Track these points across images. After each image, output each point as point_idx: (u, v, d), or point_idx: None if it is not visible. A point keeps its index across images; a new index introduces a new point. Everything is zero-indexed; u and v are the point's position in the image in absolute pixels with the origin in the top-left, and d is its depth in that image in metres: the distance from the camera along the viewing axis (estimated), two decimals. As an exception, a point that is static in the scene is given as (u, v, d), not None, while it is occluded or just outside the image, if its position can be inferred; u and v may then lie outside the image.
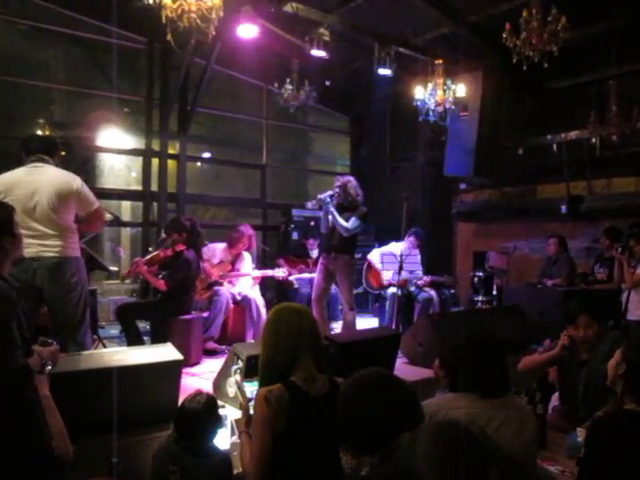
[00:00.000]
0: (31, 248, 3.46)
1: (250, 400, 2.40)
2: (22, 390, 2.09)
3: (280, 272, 6.45)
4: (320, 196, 5.74)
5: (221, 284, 6.08)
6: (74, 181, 3.72)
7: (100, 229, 4.03)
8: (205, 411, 2.65)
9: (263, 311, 6.10)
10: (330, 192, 5.74)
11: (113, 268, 5.50)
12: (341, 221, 5.57)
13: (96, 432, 2.87)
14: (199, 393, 2.77)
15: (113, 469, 2.53)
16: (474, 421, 2.19)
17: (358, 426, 1.88)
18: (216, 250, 6.37)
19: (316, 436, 2.14)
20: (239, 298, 6.07)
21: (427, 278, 6.94)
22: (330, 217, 5.70)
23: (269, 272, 6.48)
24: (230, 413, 3.40)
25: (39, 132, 7.94)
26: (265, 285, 6.88)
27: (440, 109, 7.04)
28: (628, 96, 7.07)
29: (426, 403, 2.32)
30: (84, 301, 3.76)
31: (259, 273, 6.48)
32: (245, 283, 6.32)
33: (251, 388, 2.46)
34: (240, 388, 2.43)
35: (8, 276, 2.31)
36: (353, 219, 5.60)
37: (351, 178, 5.90)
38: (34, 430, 2.12)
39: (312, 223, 8.46)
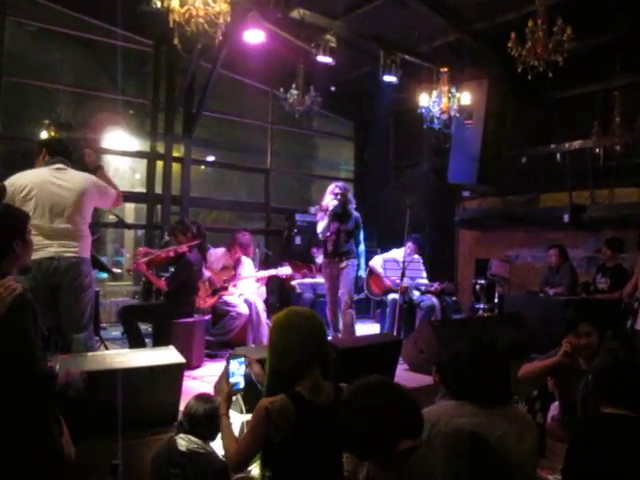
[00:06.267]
0: (51, 248, 3.63)
1: (234, 385, 2.39)
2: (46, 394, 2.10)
3: (283, 270, 6.49)
4: (331, 208, 5.95)
5: (226, 289, 6.08)
6: (91, 178, 3.92)
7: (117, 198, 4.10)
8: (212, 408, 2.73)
9: (263, 315, 6.11)
10: (335, 202, 5.89)
11: (117, 270, 5.51)
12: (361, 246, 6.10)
13: (98, 434, 2.89)
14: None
15: (114, 471, 2.55)
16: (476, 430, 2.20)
17: (358, 432, 1.89)
18: (218, 255, 6.39)
19: (322, 443, 2.12)
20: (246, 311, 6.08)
21: (437, 286, 6.93)
22: (331, 225, 5.96)
23: (273, 271, 6.52)
24: (232, 419, 3.40)
25: (44, 133, 7.96)
26: (267, 289, 6.88)
27: (445, 117, 7.09)
28: (632, 107, 7.08)
29: (427, 411, 2.32)
30: (92, 303, 3.91)
31: (265, 273, 6.53)
32: (248, 286, 6.33)
33: (236, 366, 2.45)
34: (227, 374, 2.43)
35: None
36: (361, 232, 6.08)
37: (347, 186, 6.22)
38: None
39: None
